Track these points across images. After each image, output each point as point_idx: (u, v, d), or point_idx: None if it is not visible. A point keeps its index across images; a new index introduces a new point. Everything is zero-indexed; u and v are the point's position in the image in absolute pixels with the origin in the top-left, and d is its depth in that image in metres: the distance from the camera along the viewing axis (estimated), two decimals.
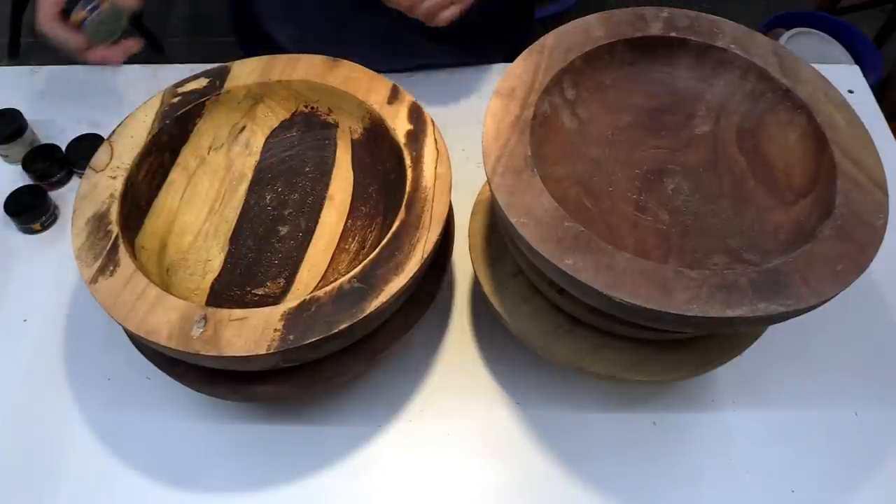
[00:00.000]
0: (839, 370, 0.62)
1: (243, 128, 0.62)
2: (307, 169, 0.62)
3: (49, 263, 0.67)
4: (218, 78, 0.60)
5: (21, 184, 0.70)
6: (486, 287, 0.56)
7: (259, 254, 0.58)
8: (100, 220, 0.52)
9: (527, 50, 0.54)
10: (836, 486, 0.56)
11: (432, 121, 0.57)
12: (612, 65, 0.55)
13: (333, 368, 0.52)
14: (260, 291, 0.56)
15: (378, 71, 0.59)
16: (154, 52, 1.95)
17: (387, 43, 0.77)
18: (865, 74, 0.83)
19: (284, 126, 0.63)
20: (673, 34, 0.55)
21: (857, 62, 0.90)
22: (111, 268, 0.49)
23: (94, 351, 0.62)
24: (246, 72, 0.61)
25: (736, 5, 2.00)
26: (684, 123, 0.55)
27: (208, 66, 0.62)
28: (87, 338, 0.63)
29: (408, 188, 0.53)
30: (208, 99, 0.59)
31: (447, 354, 0.62)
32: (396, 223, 0.51)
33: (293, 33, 0.79)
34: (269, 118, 0.62)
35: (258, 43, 0.82)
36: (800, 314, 0.43)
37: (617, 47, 0.55)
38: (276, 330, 0.46)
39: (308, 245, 0.58)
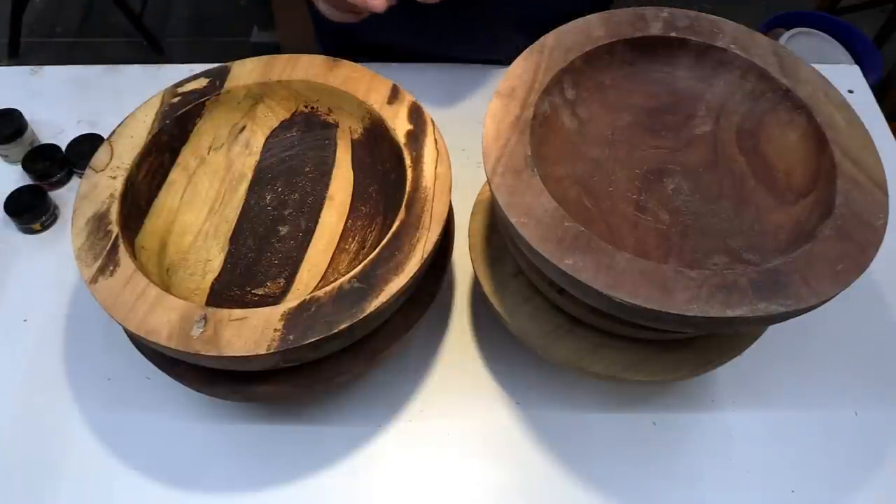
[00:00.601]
0: (839, 370, 0.62)
1: (243, 128, 0.62)
2: (307, 169, 0.62)
3: (49, 263, 0.67)
4: (218, 78, 0.60)
5: (21, 184, 0.70)
6: (486, 287, 0.56)
7: (259, 254, 0.58)
8: (100, 220, 0.52)
9: (527, 50, 0.54)
10: (836, 486, 0.56)
11: (432, 121, 0.57)
12: (612, 65, 0.55)
13: (333, 368, 0.52)
14: (260, 291, 0.56)
15: (465, 60, 0.56)
16: (154, 52, 1.96)
17: (477, 33, 0.75)
18: (865, 74, 0.83)
19: (284, 126, 0.63)
20: (673, 34, 0.55)
21: (857, 62, 0.90)
22: (111, 268, 0.49)
23: (94, 351, 0.62)
24: (246, 72, 0.61)
25: (736, 5, 2.01)
26: (684, 123, 0.55)
27: (208, 66, 0.62)
28: (87, 338, 0.63)
29: (408, 188, 0.53)
30: (208, 99, 0.59)
31: (447, 354, 0.62)
32: (396, 223, 0.51)
33: (380, 18, 0.77)
34: (269, 118, 0.62)
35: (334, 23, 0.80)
36: (800, 314, 0.43)
37: (617, 47, 0.55)
38: (276, 330, 0.46)
39: (308, 245, 0.58)
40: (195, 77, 0.60)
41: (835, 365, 0.62)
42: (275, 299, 0.55)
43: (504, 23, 0.75)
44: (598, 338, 0.54)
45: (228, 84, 0.60)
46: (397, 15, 0.68)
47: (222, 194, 0.61)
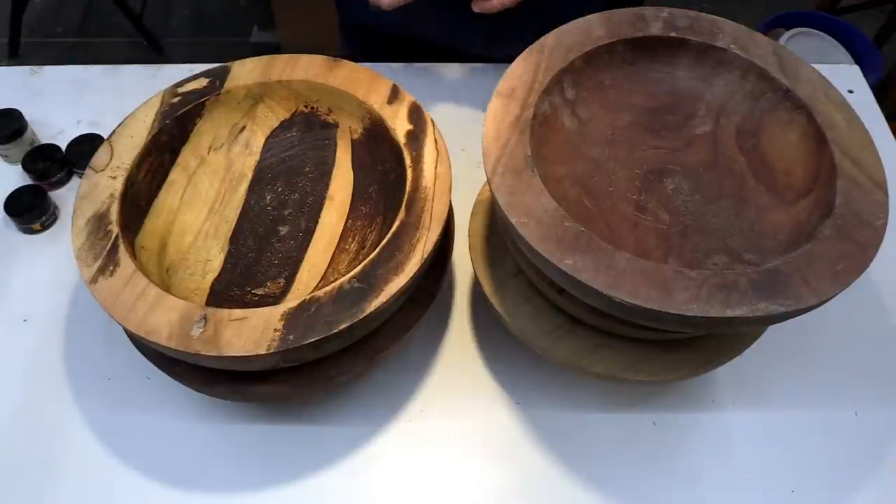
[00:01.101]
0: (839, 370, 0.62)
1: (243, 128, 0.62)
2: (307, 169, 0.62)
3: (49, 263, 0.67)
4: (218, 78, 0.60)
5: (21, 184, 0.70)
6: (486, 287, 0.56)
7: (259, 254, 0.58)
8: (100, 220, 0.52)
9: (527, 50, 0.54)
10: (836, 486, 0.56)
11: (432, 121, 0.57)
12: (612, 65, 0.55)
13: (333, 368, 0.52)
14: (260, 291, 0.56)
15: (488, 59, 0.56)
16: (154, 52, 1.96)
17: (510, 31, 0.75)
18: (865, 74, 0.83)
19: (284, 126, 0.63)
20: (673, 34, 0.55)
21: (857, 62, 0.90)
22: (111, 268, 0.49)
23: (94, 351, 0.62)
24: (246, 72, 0.61)
25: (736, 5, 2.00)
26: (684, 123, 0.55)
27: (208, 66, 0.62)
28: (87, 338, 0.63)
29: (408, 188, 0.53)
30: (208, 99, 0.59)
31: (447, 354, 0.62)
32: (396, 223, 0.51)
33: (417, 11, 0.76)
34: (269, 118, 0.62)
35: (358, 10, 0.79)
36: (800, 314, 0.43)
37: (617, 47, 0.55)
38: (276, 330, 0.46)
39: (308, 245, 0.58)
40: (195, 77, 0.60)
41: (835, 365, 0.62)
42: (275, 299, 0.55)
43: (541, 21, 0.75)
44: (598, 338, 0.54)
45: (228, 84, 0.60)
46: (434, 9, 0.67)
47: (222, 194, 0.61)
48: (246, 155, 0.62)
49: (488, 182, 0.48)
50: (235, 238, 0.59)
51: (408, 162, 0.54)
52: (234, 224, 0.60)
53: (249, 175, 0.62)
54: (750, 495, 0.56)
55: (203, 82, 0.60)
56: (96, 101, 0.79)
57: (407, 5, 0.65)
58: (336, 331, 0.46)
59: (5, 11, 1.87)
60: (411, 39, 0.83)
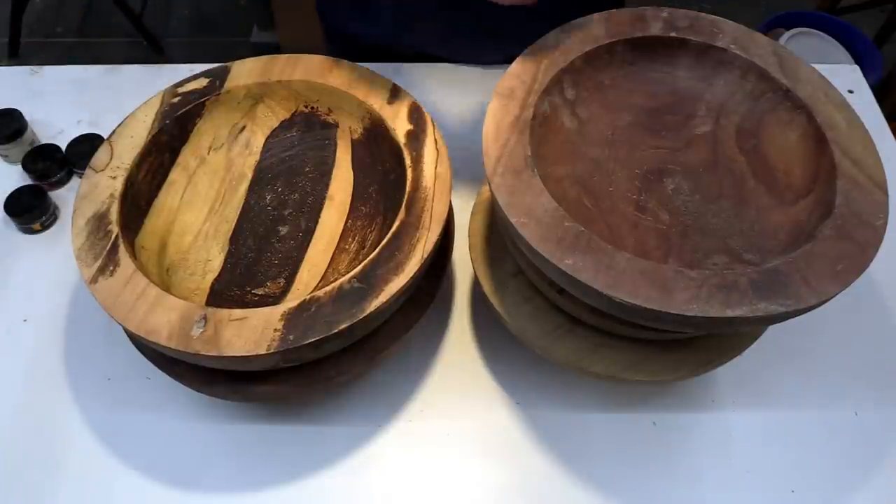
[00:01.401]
0: (839, 370, 0.62)
1: (243, 128, 0.62)
2: (307, 169, 0.62)
3: (49, 263, 0.67)
4: (218, 78, 0.60)
5: (21, 184, 0.70)
6: (486, 287, 0.56)
7: (259, 254, 0.58)
8: (100, 220, 0.52)
9: (527, 50, 0.54)
10: (836, 486, 0.56)
11: (432, 121, 0.57)
12: (612, 65, 0.55)
13: (333, 368, 0.52)
14: (260, 291, 0.56)
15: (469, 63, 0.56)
16: (154, 52, 1.96)
17: (492, 31, 0.75)
18: (865, 74, 0.83)
19: (284, 126, 0.63)
20: (673, 34, 0.55)
21: (857, 62, 0.90)
22: (111, 268, 0.49)
23: (94, 351, 0.62)
24: (246, 72, 0.61)
25: (736, 5, 2.01)
26: (684, 123, 0.55)
27: (208, 66, 0.62)
28: (87, 338, 0.63)
29: (408, 188, 0.53)
30: (208, 99, 0.59)
31: (447, 354, 0.62)
32: (396, 223, 0.51)
33: (396, 12, 0.75)
34: (269, 118, 0.62)
35: (341, 20, 0.79)
36: (800, 314, 0.43)
37: (617, 47, 0.55)
38: (276, 330, 0.46)
39: (308, 245, 0.58)
40: (195, 77, 0.60)
41: (835, 365, 0.62)
42: (275, 299, 0.55)
43: (541, 21, 0.76)
44: (598, 338, 0.54)
45: (228, 84, 0.60)
46: (423, 21, 0.67)
47: (222, 194, 0.61)
48: (246, 155, 0.62)
49: (488, 182, 0.48)
50: (235, 238, 0.59)
51: (408, 162, 0.54)
52: (234, 224, 0.60)
53: (249, 175, 0.62)
54: (750, 495, 0.56)
55: (203, 82, 0.60)
56: (96, 101, 0.79)
57: (394, 16, 0.64)
58: (336, 331, 0.46)
59: (5, 11, 1.87)
60: (398, 50, 0.83)
